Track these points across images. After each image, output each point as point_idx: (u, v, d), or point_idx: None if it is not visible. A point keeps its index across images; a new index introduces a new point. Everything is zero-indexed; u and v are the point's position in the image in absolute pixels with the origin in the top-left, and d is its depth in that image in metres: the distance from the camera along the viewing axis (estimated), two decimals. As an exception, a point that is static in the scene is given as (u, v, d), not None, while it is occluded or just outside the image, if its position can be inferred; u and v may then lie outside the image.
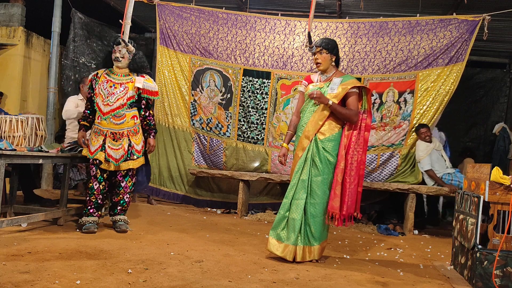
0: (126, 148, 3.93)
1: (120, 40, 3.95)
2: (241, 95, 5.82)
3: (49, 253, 3.05)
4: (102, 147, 3.92)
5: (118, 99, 3.92)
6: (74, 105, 4.77)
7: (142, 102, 4.04)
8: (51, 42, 6.23)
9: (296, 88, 5.67)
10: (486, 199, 2.95)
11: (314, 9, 3.93)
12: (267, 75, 5.77)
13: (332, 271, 3.18)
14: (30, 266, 2.71)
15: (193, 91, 5.93)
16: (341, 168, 3.37)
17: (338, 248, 4.05)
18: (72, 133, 4.82)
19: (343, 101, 3.45)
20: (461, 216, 3.41)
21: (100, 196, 4.00)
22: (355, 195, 3.38)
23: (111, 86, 3.95)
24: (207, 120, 5.92)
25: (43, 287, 2.37)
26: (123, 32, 4.04)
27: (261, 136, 5.83)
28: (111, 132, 3.92)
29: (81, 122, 4.13)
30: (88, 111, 4.08)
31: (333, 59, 3.54)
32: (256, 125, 5.83)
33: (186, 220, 4.88)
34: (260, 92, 5.79)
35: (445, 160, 5.39)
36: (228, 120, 5.88)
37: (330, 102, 3.35)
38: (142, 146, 4.05)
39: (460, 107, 7.30)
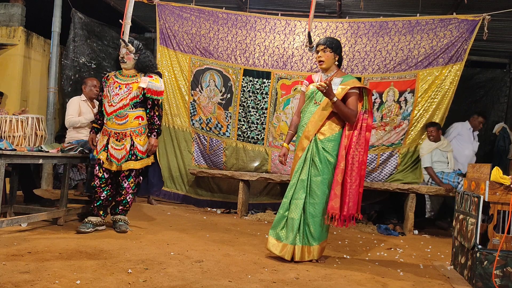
0: (128, 149, 3.93)
1: (121, 41, 3.96)
2: (241, 95, 5.82)
3: (49, 253, 3.05)
4: (105, 147, 3.95)
5: (121, 100, 3.93)
6: (77, 108, 4.79)
7: (148, 102, 4.03)
8: (51, 42, 6.24)
9: (296, 88, 5.67)
10: (486, 199, 2.95)
11: (314, 9, 3.93)
12: (267, 75, 5.77)
13: (332, 271, 3.18)
14: (30, 266, 2.71)
15: (192, 91, 5.93)
16: (341, 168, 3.36)
17: (338, 248, 4.05)
18: (73, 132, 4.82)
19: (343, 101, 3.44)
20: (461, 216, 3.41)
21: (104, 195, 4.00)
22: (356, 195, 3.37)
23: (117, 87, 3.98)
24: (206, 120, 5.92)
25: (43, 287, 2.37)
26: (123, 32, 4.04)
27: (261, 136, 5.83)
28: (114, 132, 3.94)
29: (93, 125, 4.22)
30: (99, 114, 4.16)
31: (336, 59, 3.53)
32: (256, 125, 5.83)
33: (186, 220, 4.88)
34: (260, 92, 5.79)
35: (447, 162, 5.39)
36: (228, 120, 5.88)
37: (335, 99, 3.32)
38: (147, 147, 4.05)
39: (460, 107, 7.28)
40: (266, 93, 5.77)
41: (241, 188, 5.52)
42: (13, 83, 6.12)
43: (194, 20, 5.87)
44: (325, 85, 3.26)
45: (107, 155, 3.92)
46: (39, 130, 3.96)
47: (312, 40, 3.91)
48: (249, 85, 5.80)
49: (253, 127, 5.83)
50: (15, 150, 3.56)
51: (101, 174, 3.97)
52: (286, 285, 2.74)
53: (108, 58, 7.31)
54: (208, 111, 5.92)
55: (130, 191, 4.05)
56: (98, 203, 3.99)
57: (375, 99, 5.46)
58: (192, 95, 5.94)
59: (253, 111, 5.82)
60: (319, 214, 3.37)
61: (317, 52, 3.53)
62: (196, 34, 5.87)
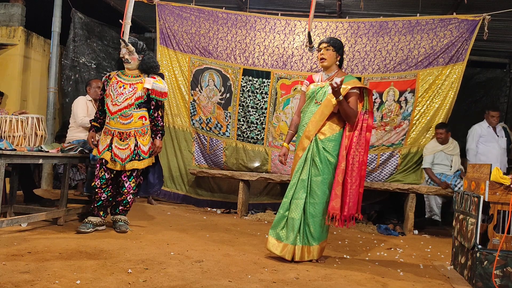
0: (133, 148, 3.93)
1: (121, 40, 3.96)
2: (241, 95, 5.82)
3: (49, 253, 3.05)
4: (109, 147, 3.93)
5: (126, 99, 3.93)
6: (86, 109, 4.81)
7: (151, 103, 4.03)
8: (51, 42, 6.24)
9: (296, 88, 5.67)
10: (486, 199, 2.95)
11: (314, 9, 3.93)
12: (267, 75, 5.77)
13: (332, 271, 3.18)
14: (30, 266, 2.71)
15: (192, 91, 5.94)
16: (342, 168, 3.36)
17: (338, 248, 4.05)
18: (74, 131, 4.82)
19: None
20: (461, 216, 3.41)
21: (104, 196, 4.00)
22: (356, 196, 3.37)
23: (120, 87, 3.97)
24: (206, 120, 5.92)
25: (43, 287, 2.37)
26: (123, 32, 4.04)
27: (261, 136, 5.83)
28: (118, 132, 3.93)
29: (92, 123, 4.18)
30: (100, 112, 4.13)
31: (338, 59, 3.52)
32: (256, 125, 5.83)
33: (186, 220, 4.88)
34: (260, 91, 5.79)
35: (450, 166, 5.38)
36: (227, 120, 5.88)
37: (341, 97, 3.30)
38: (150, 147, 4.04)
39: (460, 107, 7.28)
40: (266, 93, 5.77)
41: (241, 188, 5.52)
42: (13, 83, 6.12)
43: (193, 20, 5.87)
44: (339, 82, 3.23)
45: (111, 155, 3.92)
46: (39, 130, 3.96)
47: (312, 40, 3.91)
48: (249, 84, 5.80)
49: (252, 127, 5.83)
50: (15, 150, 3.56)
51: (102, 175, 3.96)
52: (286, 285, 2.74)
53: (108, 58, 7.32)
54: (207, 111, 5.92)
55: (131, 191, 4.05)
56: (98, 204, 3.99)
57: (375, 99, 5.45)
58: (192, 95, 5.94)
59: (252, 111, 5.81)
60: (319, 214, 3.37)
61: (319, 50, 3.52)
62: (195, 33, 5.87)
